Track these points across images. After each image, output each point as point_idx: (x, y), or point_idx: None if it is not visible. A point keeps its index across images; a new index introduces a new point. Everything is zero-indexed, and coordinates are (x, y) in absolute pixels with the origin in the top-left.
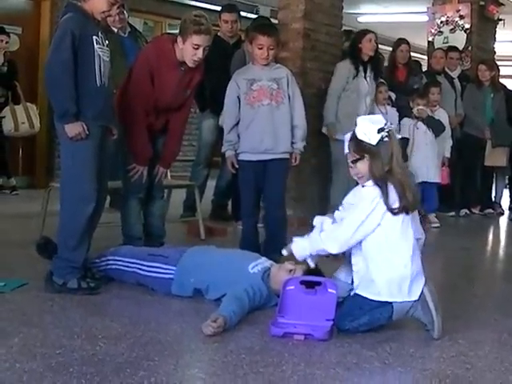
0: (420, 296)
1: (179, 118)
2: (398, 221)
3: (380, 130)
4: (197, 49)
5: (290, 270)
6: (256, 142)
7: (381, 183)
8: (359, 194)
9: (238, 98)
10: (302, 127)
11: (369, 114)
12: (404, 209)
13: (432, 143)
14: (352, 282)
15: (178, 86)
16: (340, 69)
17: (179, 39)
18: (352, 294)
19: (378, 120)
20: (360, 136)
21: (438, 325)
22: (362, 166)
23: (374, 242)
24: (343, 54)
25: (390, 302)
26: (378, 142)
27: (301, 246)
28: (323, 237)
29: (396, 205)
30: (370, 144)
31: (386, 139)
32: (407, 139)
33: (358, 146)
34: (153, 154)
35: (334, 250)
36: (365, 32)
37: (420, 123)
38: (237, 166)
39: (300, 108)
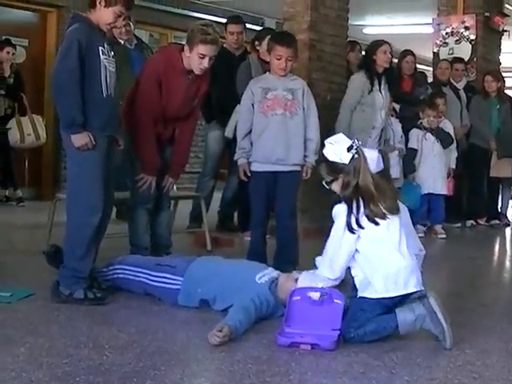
0: (425, 303)
1: (187, 127)
2: (382, 228)
3: (349, 149)
4: (203, 58)
5: (297, 280)
6: (268, 151)
7: (349, 199)
8: (335, 211)
9: (253, 105)
10: (315, 140)
11: (382, 127)
12: (370, 220)
13: (440, 154)
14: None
15: (186, 95)
16: (354, 82)
17: (186, 48)
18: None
19: (344, 139)
20: (331, 158)
21: (449, 335)
22: (336, 186)
23: (363, 251)
24: (359, 67)
25: (394, 312)
26: (350, 161)
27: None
28: (319, 267)
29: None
30: (343, 164)
31: (356, 156)
32: (415, 150)
33: (331, 167)
34: (161, 164)
35: (332, 275)
36: (379, 43)
37: (429, 134)
38: (249, 174)
39: (315, 121)
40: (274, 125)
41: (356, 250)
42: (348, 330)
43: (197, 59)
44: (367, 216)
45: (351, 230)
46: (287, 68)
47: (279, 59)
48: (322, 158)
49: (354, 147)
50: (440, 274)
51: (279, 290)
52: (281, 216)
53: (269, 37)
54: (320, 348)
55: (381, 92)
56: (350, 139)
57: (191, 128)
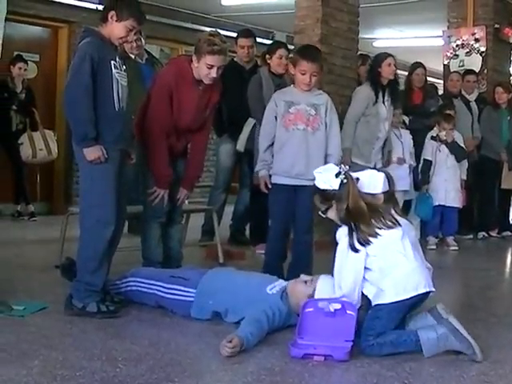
0: (444, 322)
1: (200, 139)
2: (383, 242)
3: (338, 175)
4: (211, 68)
5: (306, 281)
6: (288, 165)
7: (347, 222)
8: (338, 235)
9: (276, 118)
10: (335, 156)
11: (386, 139)
12: (359, 241)
13: (453, 167)
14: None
15: (198, 106)
16: (360, 94)
17: (194, 58)
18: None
19: (332, 167)
20: (322, 186)
21: (477, 347)
22: (332, 213)
23: (373, 267)
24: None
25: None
26: (340, 186)
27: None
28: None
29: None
30: (333, 190)
31: (345, 181)
32: (430, 161)
33: (324, 196)
34: (174, 178)
35: (346, 291)
36: (385, 56)
37: (443, 146)
38: (270, 186)
39: (336, 137)
40: (295, 139)
41: (366, 268)
42: (367, 339)
43: (205, 69)
44: (358, 239)
45: (354, 250)
46: (312, 83)
47: (304, 74)
48: (314, 190)
49: (342, 172)
50: (452, 285)
51: (290, 296)
52: (298, 230)
53: (280, 50)
54: (333, 359)
55: (384, 103)
56: (358, 151)
57: (204, 140)
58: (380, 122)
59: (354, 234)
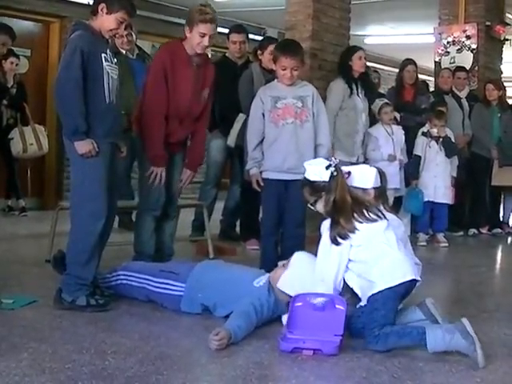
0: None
1: (201, 124)
2: (365, 235)
3: (328, 167)
4: (203, 37)
5: (283, 265)
6: (279, 160)
7: (330, 214)
8: (322, 227)
9: (263, 114)
10: (326, 146)
11: (364, 131)
12: (340, 236)
13: (442, 163)
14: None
15: (194, 85)
16: (334, 87)
17: (186, 29)
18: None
19: (322, 160)
20: (312, 178)
21: (480, 350)
22: (320, 205)
23: (356, 259)
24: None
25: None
26: (330, 178)
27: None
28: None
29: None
30: (323, 182)
31: (335, 173)
32: (419, 157)
33: (313, 187)
34: (171, 170)
35: (326, 289)
36: (354, 49)
37: (433, 142)
38: (262, 184)
39: (324, 126)
40: (285, 134)
41: (350, 260)
42: (372, 332)
43: (197, 38)
44: (338, 233)
45: (335, 243)
46: (293, 78)
47: (284, 69)
48: (303, 182)
49: (333, 165)
50: (443, 281)
51: (273, 282)
52: (289, 225)
53: (271, 46)
54: (322, 353)
55: (359, 96)
56: (340, 145)
57: (205, 124)
58: (358, 114)
59: (335, 227)
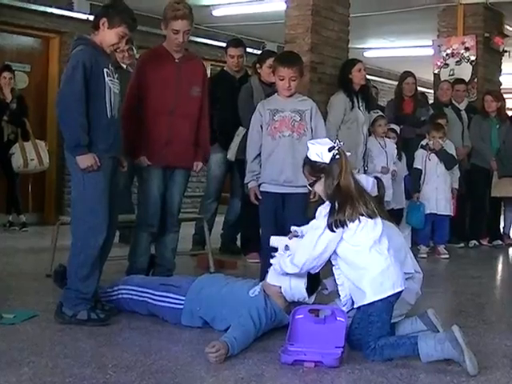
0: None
1: (202, 123)
2: (362, 230)
3: (331, 149)
4: (177, 33)
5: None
6: (276, 173)
7: (331, 199)
8: (318, 212)
9: (261, 127)
10: None
11: (365, 143)
12: (338, 223)
13: (443, 175)
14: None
15: (178, 80)
16: (336, 102)
17: (162, 26)
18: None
19: (327, 141)
20: (313, 158)
21: (471, 358)
22: (319, 187)
23: (344, 257)
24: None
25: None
26: (330, 160)
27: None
28: (286, 257)
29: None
30: (323, 163)
31: (338, 156)
32: (420, 170)
33: (313, 167)
34: (170, 190)
35: (300, 263)
36: (354, 62)
37: (433, 155)
38: (260, 197)
39: None
40: (281, 147)
41: (336, 254)
42: (368, 345)
43: (172, 35)
44: (338, 220)
45: (331, 229)
46: (292, 88)
47: (282, 80)
48: (305, 160)
49: (336, 147)
50: (444, 292)
51: (267, 291)
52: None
53: (270, 59)
54: (323, 365)
55: (360, 109)
56: None
57: (205, 124)
58: (359, 127)
59: (335, 213)
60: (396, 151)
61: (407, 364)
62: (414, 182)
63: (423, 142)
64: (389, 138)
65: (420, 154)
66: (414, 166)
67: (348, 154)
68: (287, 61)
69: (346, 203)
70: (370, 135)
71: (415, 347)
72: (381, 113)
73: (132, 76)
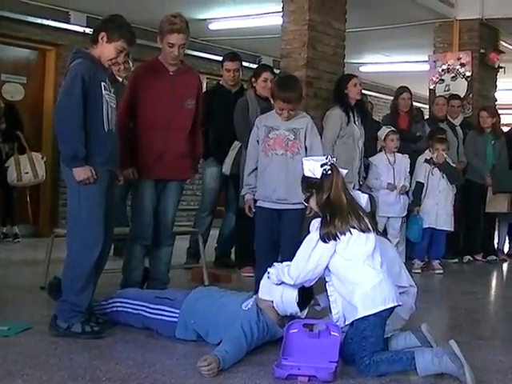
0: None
1: (197, 136)
2: (354, 243)
3: (323, 165)
4: (172, 47)
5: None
6: (269, 190)
7: (324, 212)
8: (311, 225)
9: (258, 142)
10: None
11: (361, 159)
12: (329, 235)
13: (445, 191)
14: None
15: (172, 93)
16: (332, 116)
17: (158, 39)
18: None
19: (321, 158)
20: (307, 174)
21: (469, 371)
22: (312, 202)
23: (336, 272)
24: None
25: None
26: (322, 175)
27: (266, 286)
28: (284, 267)
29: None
30: (315, 178)
31: (329, 172)
32: (422, 183)
33: (307, 183)
34: (163, 203)
35: (294, 276)
36: (349, 77)
37: (436, 170)
38: (254, 210)
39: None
40: (274, 165)
41: (329, 270)
42: (362, 361)
43: (167, 48)
44: (329, 232)
45: (324, 240)
46: (290, 116)
47: (282, 110)
48: (302, 178)
49: (328, 163)
50: (438, 307)
51: (259, 304)
52: (284, 253)
53: (265, 73)
54: (317, 380)
55: (356, 123)
56: None
57: (199, 136)
58: (355, 142)
59: (326, 225)
60: (408, 166)
61: (401, 378)
62: (415, 195)
63: (427, 157)
64: (402, 153)
65: (423, 167)
66: (417, 179)
67: (345, 171)
68: (287, 96)
69: (336, 215)
70: (380, 151)
71: (412, 362)
72: (392, 128)
73: (126, 89)
